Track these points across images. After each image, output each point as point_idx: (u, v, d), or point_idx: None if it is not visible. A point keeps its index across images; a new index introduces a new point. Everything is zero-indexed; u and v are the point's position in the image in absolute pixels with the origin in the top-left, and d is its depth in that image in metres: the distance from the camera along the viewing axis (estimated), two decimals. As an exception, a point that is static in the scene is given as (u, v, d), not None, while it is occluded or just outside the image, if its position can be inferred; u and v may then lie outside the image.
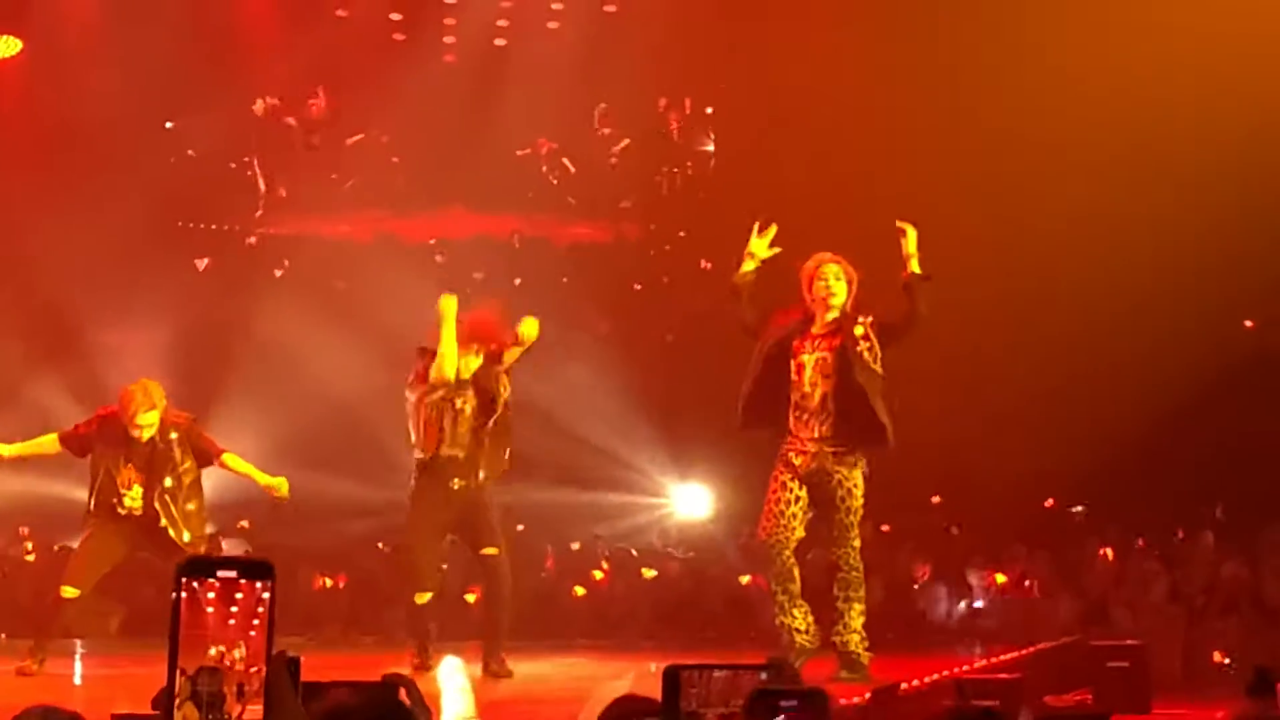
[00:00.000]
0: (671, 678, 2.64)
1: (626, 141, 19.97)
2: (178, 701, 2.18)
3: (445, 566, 12.08)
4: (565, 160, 19.92)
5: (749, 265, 10.38)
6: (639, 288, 20.14)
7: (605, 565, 16.58)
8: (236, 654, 2.26)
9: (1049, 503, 17.42)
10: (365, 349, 16.37)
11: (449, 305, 10.69)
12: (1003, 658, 11.48)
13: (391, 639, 13.22)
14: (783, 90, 18.15)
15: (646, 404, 17.78)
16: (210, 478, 11.24)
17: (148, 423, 10.74)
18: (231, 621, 2.31)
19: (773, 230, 10.45)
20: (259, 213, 19.98)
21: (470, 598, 14.30)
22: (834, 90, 17.26)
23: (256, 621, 2.32)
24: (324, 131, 19.61)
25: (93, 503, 10.93)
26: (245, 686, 2.22)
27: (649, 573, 16.49)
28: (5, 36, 13.33)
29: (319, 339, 17.24)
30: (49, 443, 11.14)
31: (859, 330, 10.11)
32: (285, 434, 16.12)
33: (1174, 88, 16.14)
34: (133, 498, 10.77)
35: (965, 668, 10.51)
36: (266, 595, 2.31)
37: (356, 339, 16.89)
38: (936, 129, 17.11)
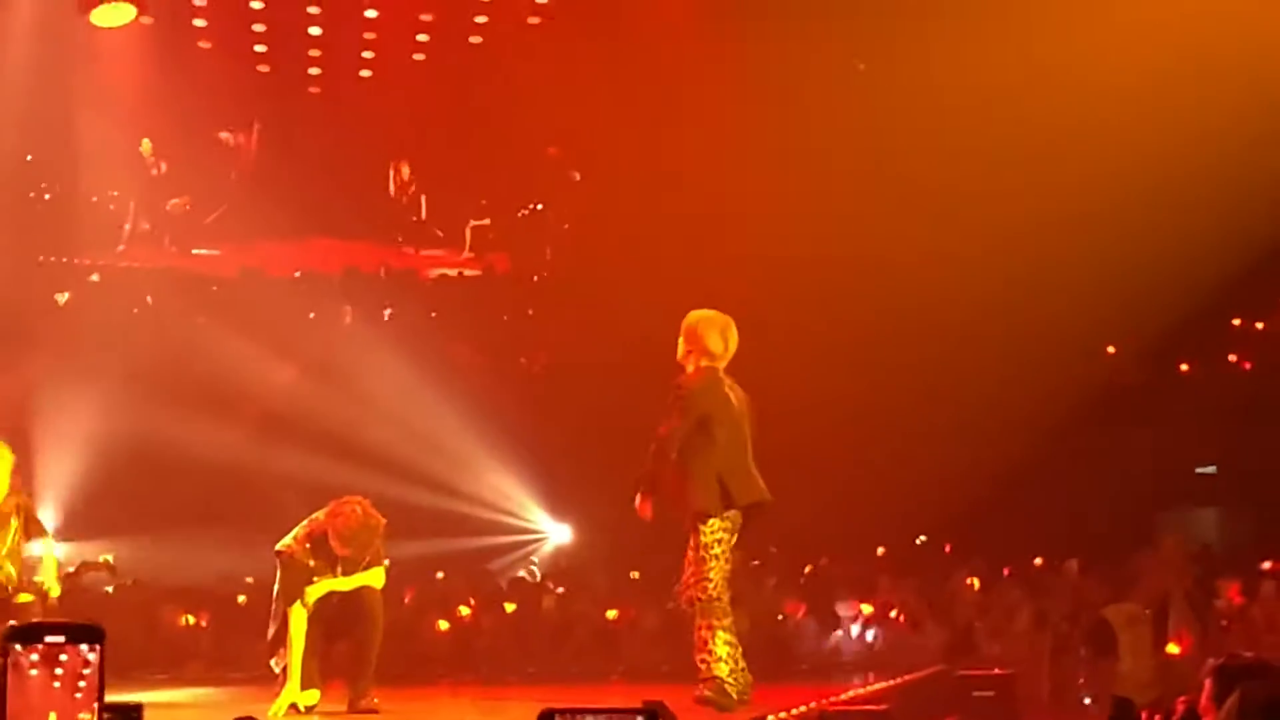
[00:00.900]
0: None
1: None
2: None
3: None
4: (423, 197, 19.87)
5: None
6: (506, 319, 20.11)
7: (471, 600, 16.45)
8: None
9: (921, 539, 17.52)
10: (227, 382, 16.23)
11: None
12: (870, 688, 11.48)
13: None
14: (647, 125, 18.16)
15: (515, 435, 17.71)
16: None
17: None
18: (57, 685, 2.25)
19: None
20: (121, 247, 19.74)
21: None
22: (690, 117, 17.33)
23: (84, 685, 2.26)
24: (185, 164, 19.40)
25: None
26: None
27: (510, 607, 16.37)
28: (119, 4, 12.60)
29: (179, 373, 17.05)
30: None
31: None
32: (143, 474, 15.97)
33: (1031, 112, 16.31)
34: None
35: (832, 699, 10.49)
36: (94, 658, 2.25)
37: (219, 372, 16.74)
38: (797, 161, 17.16)
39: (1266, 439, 16.19)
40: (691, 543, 9.81)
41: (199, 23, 18.71)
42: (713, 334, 9.97)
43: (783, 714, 9.17)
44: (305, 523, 10.92)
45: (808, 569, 16.86)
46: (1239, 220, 16.05)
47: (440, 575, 17.15)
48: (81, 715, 2.26)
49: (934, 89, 16.53)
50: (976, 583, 15.64)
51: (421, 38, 19.59)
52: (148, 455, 16.52)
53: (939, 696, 11.13)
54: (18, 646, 2.23)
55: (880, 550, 16.96)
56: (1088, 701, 13.18)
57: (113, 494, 16.65)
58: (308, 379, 17.81)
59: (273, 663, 11.02)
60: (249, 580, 16.03)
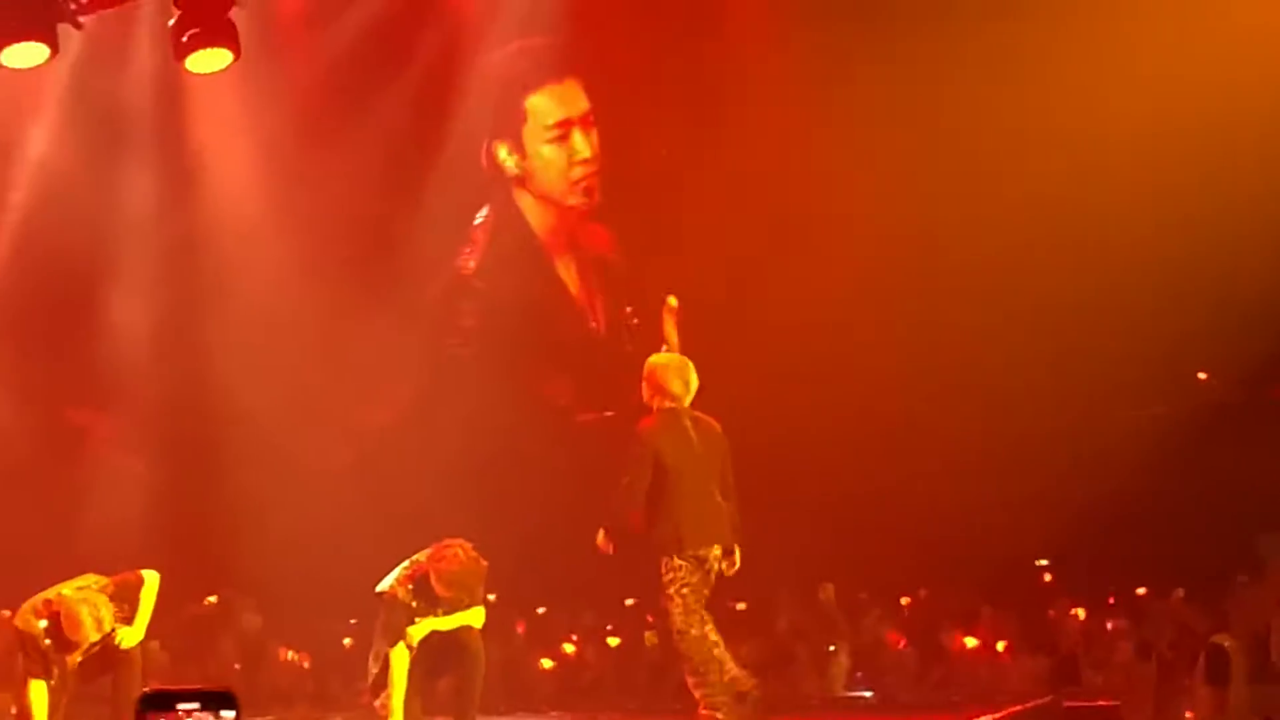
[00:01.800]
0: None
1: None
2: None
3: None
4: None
5: None
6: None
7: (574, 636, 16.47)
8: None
9: (1042, 563, 17.36)
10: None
11: None
12: (978, 720, 11.44)
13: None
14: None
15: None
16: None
17: None
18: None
19: None
20: None
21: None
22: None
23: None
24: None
25: None
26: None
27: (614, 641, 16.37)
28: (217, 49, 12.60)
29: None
30: None
31: None
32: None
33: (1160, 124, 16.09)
34: None
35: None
36: (229, 724, 2.28)
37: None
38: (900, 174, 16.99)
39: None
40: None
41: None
42: (671, 378, 10.47)
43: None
44: (407, 564, 11.02)
45: (906, 601, 16.77)
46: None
47: (541, 611, 17.16)
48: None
49: (1039, 105, 16.36)
50: (1081, 612, 15.52)
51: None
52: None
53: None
54: (151, 712, 2.26)
55: (980, 580, 16.83)
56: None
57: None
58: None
59: (377, 704, 11.12)
60: (352, 622, 16.12)
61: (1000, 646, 15.34)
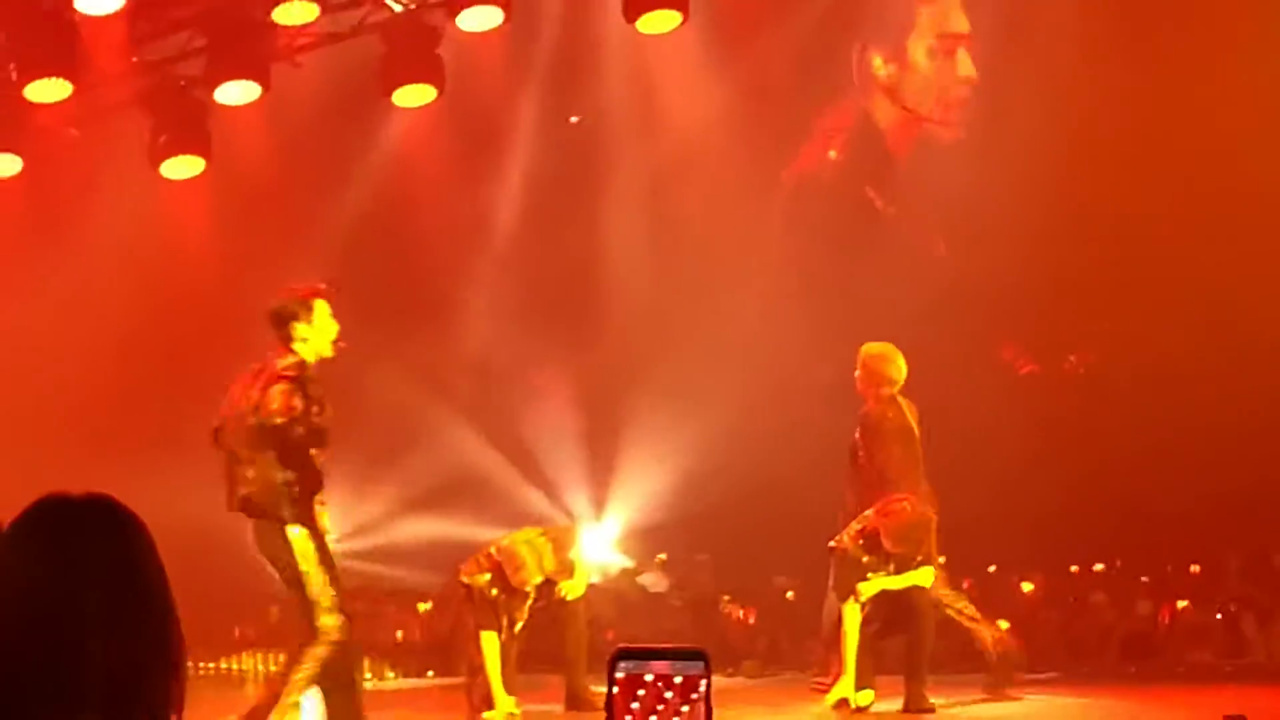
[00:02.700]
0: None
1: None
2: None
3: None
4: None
5: None
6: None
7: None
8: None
9: None
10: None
11: None
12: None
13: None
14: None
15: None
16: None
17: None
18: (662, 708, 2.24)
19: None
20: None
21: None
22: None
23: (687, 710, 2.24)
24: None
25: None
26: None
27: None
28: (419, 85, 13.73)
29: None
30: None
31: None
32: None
33: None
34: None
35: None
36: (702, 682, 2.23)
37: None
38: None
39: None
40: None
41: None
42: (889, 366, 11.37)
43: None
44: (859, 519, 11.01)
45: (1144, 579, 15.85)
46: None
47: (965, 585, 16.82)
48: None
49: None
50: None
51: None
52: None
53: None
54: (624, 667, 2.23)
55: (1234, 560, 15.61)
56: None
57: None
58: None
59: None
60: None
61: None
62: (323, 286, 9.26)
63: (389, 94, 13.97)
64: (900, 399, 11.48)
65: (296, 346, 9.01)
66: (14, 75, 13.00)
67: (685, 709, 2.23)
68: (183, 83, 13.83)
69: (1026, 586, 16.13)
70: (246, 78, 13.41)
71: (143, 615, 2.22)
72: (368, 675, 14.09)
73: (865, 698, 10.86)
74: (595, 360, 17.63)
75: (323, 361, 9.10)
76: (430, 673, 15.87)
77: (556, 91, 17.49)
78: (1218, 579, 15.24)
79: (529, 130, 17.70)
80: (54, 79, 12.91)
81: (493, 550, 11.29)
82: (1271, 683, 12.04)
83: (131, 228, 15.64)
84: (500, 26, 13.22)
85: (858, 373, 11.55)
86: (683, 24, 13.07)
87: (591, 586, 12.36)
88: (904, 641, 11.15)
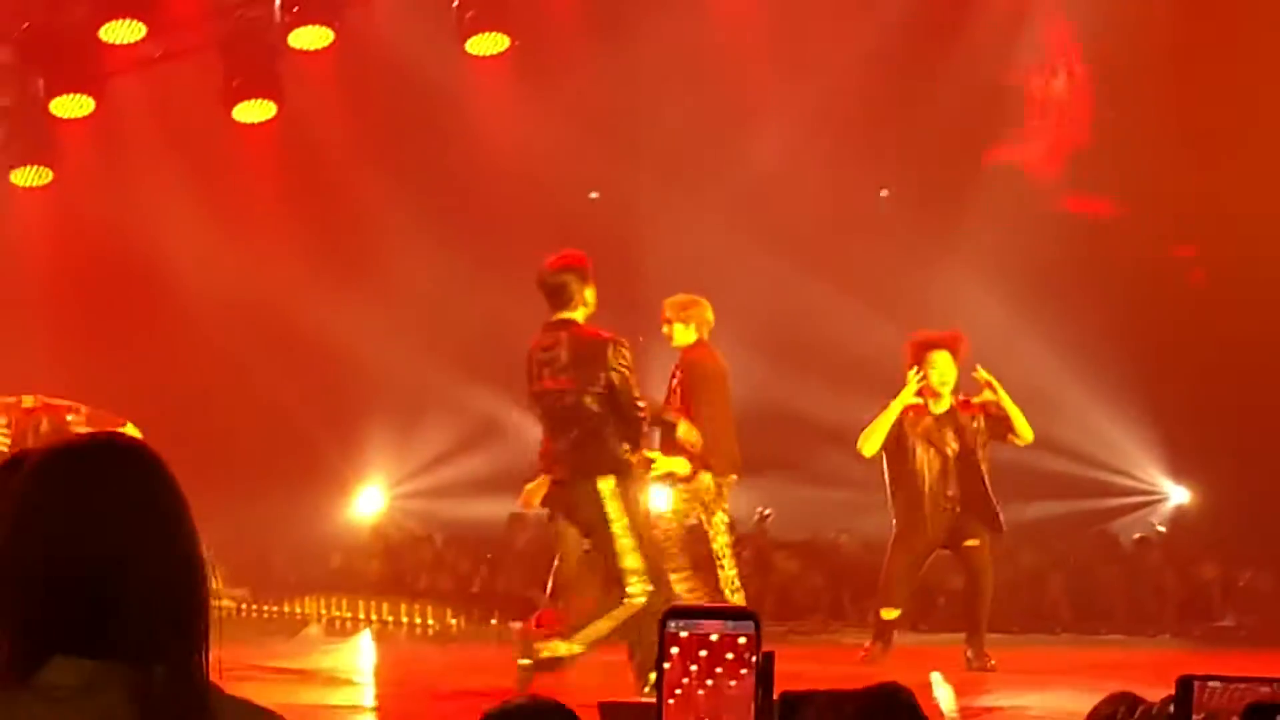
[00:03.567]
0: (1185, 688, 2.49)
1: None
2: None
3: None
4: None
5: None
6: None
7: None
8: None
9: None
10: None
11: None
12: None
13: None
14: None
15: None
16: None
17: None
18: (719, 670, 2.24)
19: None
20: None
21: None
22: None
23: (744, 671, 2.24)
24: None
25: None
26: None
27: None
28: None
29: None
30: None
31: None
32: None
33: None
34: None
35: None
36: (747, 641, 2.23)
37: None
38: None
39: None
40: None
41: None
42: None
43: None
44: None
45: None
46: None
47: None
48: (737, 697, 2.25)
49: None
50: None
51: None
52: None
53: None
54: (675, 625, 2.23)
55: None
56: None
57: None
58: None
59: (883, 612, 11.14)
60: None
61: None
62: None
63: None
64: None
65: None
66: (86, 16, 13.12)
67: (738, 670, 2.23)
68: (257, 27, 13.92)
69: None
70: (321, 23, 13.49)
71: (167, 554, 2.19)
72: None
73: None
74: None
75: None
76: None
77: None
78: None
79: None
80: (129, 20, 13.01)
81: None
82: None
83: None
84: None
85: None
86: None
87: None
88: (963, 597, 11.22)
